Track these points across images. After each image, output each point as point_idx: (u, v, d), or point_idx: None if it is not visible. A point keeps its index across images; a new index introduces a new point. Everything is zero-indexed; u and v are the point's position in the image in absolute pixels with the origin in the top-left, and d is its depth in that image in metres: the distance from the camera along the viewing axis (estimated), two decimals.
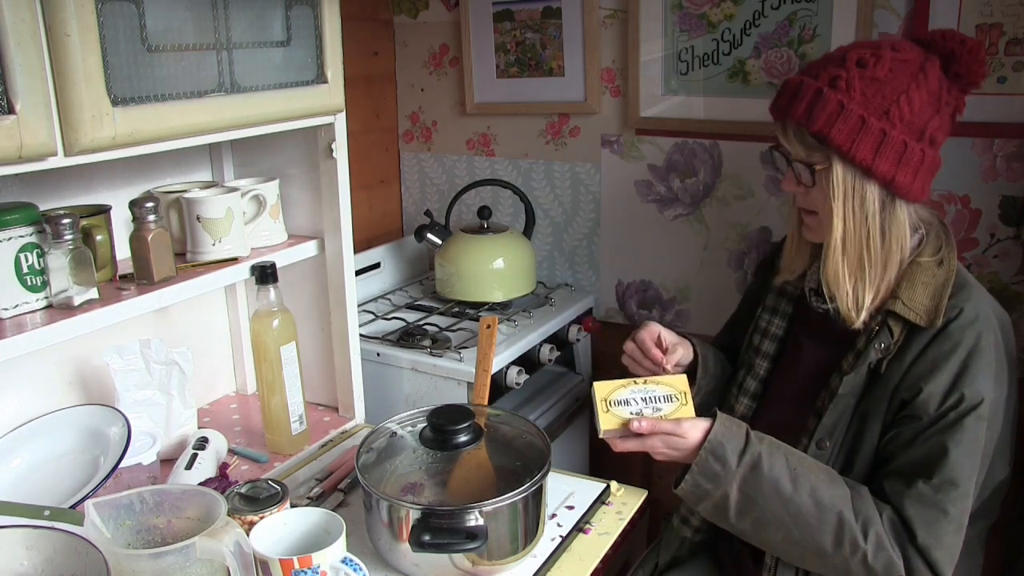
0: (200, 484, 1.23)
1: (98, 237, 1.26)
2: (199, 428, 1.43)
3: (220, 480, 1.27)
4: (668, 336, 1.27)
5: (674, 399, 1.12)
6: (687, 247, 1.97)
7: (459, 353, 1.70)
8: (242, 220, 1.37)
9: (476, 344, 1.42)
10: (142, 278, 1.25)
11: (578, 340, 1.99)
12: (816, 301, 1.23)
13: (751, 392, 1.31)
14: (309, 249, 1.49)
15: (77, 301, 1.15)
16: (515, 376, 1.74)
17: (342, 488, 1.33)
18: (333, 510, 1.10)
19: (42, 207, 1.22)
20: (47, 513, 1.04)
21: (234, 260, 1.36)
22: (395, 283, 2.18)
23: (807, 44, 1.71)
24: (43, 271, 1.14)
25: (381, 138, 2.27)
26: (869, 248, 1.12)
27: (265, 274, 1.36)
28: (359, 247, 1.89)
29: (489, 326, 1.36)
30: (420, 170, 2.30)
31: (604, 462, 2.14)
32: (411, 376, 1.75)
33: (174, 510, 1.00)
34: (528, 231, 2.07)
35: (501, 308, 1.94)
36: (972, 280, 1.15)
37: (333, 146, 1.42)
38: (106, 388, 1.37)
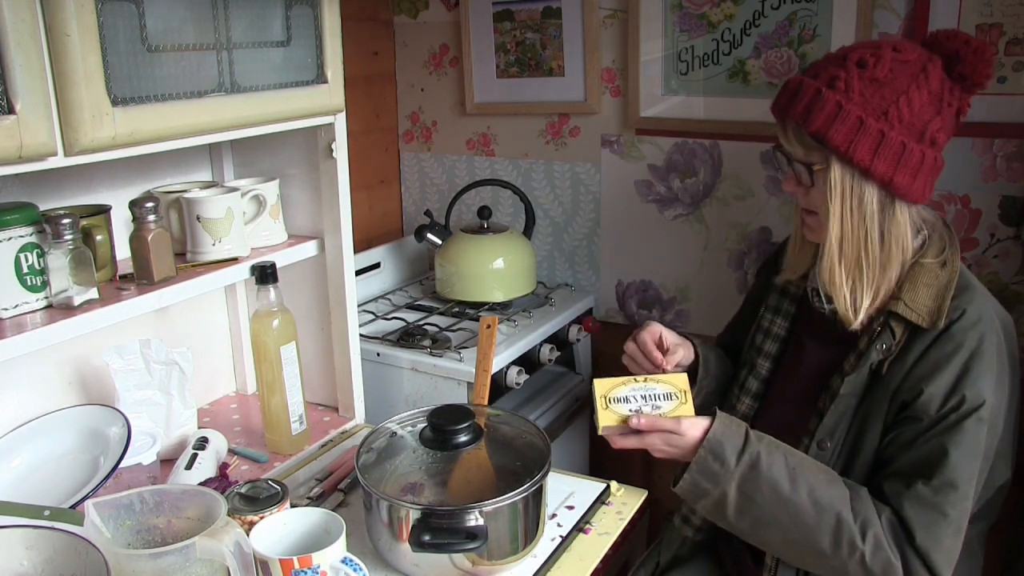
0: (200, 484, 1.23)
1: (98, 237, 1.26)
2: (199, 428, 1.43)
3: (220, 480, 1.27)
4: (669, 337, 1.27)
5: (674, 397, 1.12)
6: (687, 247, 1.97)
7: (459, 353, 1.70)
8: (242, 220, 1.37)
9: (476, 344, 1.42)
10: (142, 278, 1.25)
11: (578, 340, 1.99)
12: (818, 301, 1.23)
13: (753, 392, 1.31)
14: (309, 249, 1.49)
15: (77, 301, 1.15)
16: (515, 376, 1.74)
17: (342, 488, 1.33)
18: (333, 510, 1.10)
19: (42, 207, 1.22)
20: (47, 513, 1.04)
21: (234, 260, 1.36)
22: (395, 283, 2.18)
23: (807, 44, 1.71)
24: (43, 271, 1.14)
25: (381, 138, 2.27)
26: (867, 249, 1.12)
27: (265, 274, 1.36)
28: (359, 247, 1.89)
29: (489, 326, 1.36)
30: (420, 170, 2.30)
31: (604, 462, 2.14)
32: (411, 376, 1.75)
33: (174, 510, 1.00)
34: (528, 231, 2.07)
35: (501, 308, 1.94)
36: (975, 282, 1.15)
37: (333, 146, 1.42)
38: (106, 388, 1.37)
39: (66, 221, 1.12)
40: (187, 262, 1.34)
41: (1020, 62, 1.53)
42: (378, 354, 1.77)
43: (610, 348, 2.05)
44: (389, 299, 2.07)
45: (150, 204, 1.23)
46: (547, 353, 1.85)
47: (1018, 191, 1.59)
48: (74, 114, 0.98)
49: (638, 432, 1.10)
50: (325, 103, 1.35)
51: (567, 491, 1.32)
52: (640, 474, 2.11)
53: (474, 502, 1.06)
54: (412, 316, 1.93)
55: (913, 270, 1.13)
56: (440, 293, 2.00)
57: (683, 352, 1.28)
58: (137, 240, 1.24)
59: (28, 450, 1.26)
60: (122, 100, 1.04)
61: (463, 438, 1.16)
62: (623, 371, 1.20)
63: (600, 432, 1.13)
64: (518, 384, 1.75)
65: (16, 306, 1.12)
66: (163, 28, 1.08)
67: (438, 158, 2.26)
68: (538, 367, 1.86)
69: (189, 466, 1.29)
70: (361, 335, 1.70)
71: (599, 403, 1.12)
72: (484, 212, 1.98)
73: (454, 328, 1.85)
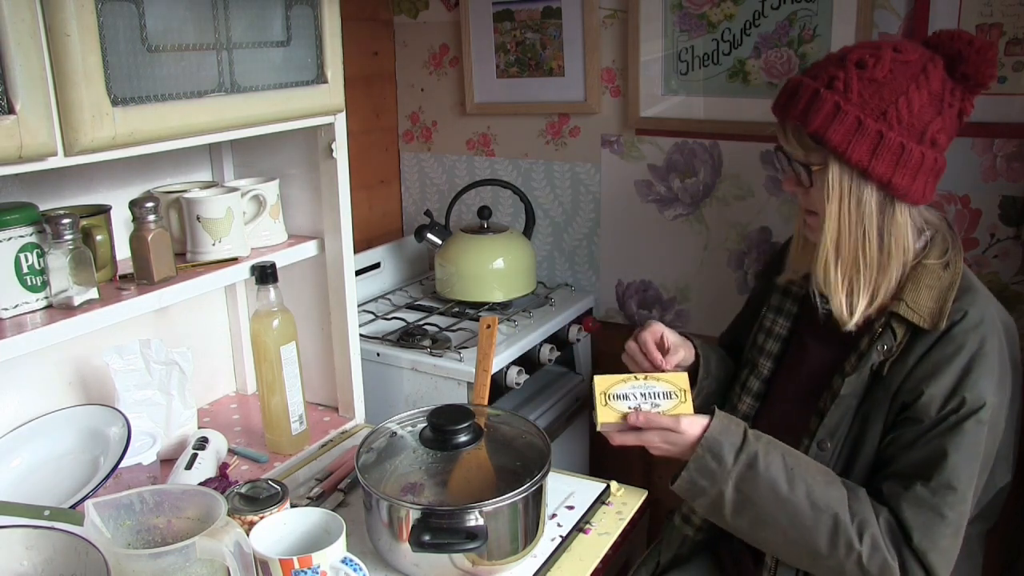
0: (200, 484, 1.23)
1: (98, 237, 1.26)
2: (199, 428, 1.43)
3: (220, 480, 1.27)
4: (671, 337, 1.27)
5: (673, 396, 1.13)
6: (687, 247, 1.97)
7: (459, 353, 1.70)
8: (242, 220, 1.37)
9: (476, 344, 1.42)
10: (142, 278, 1.25)
11: (578, 340, 1.99)
12: (820, 301, 1.23)
13: (754, 391, 1.31)
14: (309, 249, 1.49)
15: (77, 301, 1.15)
16: (515, 376, 1.74)
17: (342, 488, 1.33)
18: (333, 510, 1.10)
19: (42, 207, 1.22)
20: (47, 513, 1.04)
21: (234, 260, 1.36)
22: (395, 283, 2.18)
23: (807, 44, 1.71)
24: (43, 271, 1.14)
25: (381, 138, 2.27)
26: (864, 250, 1.12)
27: (265, 274, 1.36)
28: (359, 247, 1.89)
29: (489, 326, 1.36)
30: (420, 170, 2.30)
31: (604, 462, 2.14)
32: (411, 376, 1.75)
33: (174, 510, 1.00)
34: (528, 231, 2.07)
35: (501, 308, 1.94)
36: (978, 284, 1.14)
37: (333, 146, 1.42)
38: (106, 388, 1.37)
39: (66, 221, 1.12)
40: (187, 262, 1.34)
41: (1020, 62, 1.53)
42: (378, 354, 1.77)
43: (610, 348, 2.05)
44: (389, 299, 2.07)
45: (150, 204, 1.23)
46: (547, 353, 1.85)
47: (1018, 191, 1.59)
48: (74, 114, 0.98)
49: (637, 429, 1.10)
50: (325, 103, 1.35)
51: (567, 491, 1.32)
52: (640, 474, 2.11)
53: (474, 502, 1.06)
54: (412, 316, 1.93)
55: (915, 271, 1.13)
56: (440, 293, 2.00)
57: (684, 352, 1.28)
58: (137, 240, 1.24)
59: (28, 450, 1.26)
60: (122, 100, 1.04)
61: (463, 438, 1.16)
62: (623, 370, 1.20)
63: (599, 428, 1.13)
64: (518, 384, 1.75)
65: (16, 306, 1.12)
66: (163, 28, 1.08)
67: (438, 158, 2.26)
68: (538, 367, 1.86)
69: (189, 466, 1.29)
70: (361, 335, 1.70)
71: (598, 400, 1.12)
72: (484, 212, 1.98)
73: (454, 328, 1.85)
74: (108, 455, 1.21)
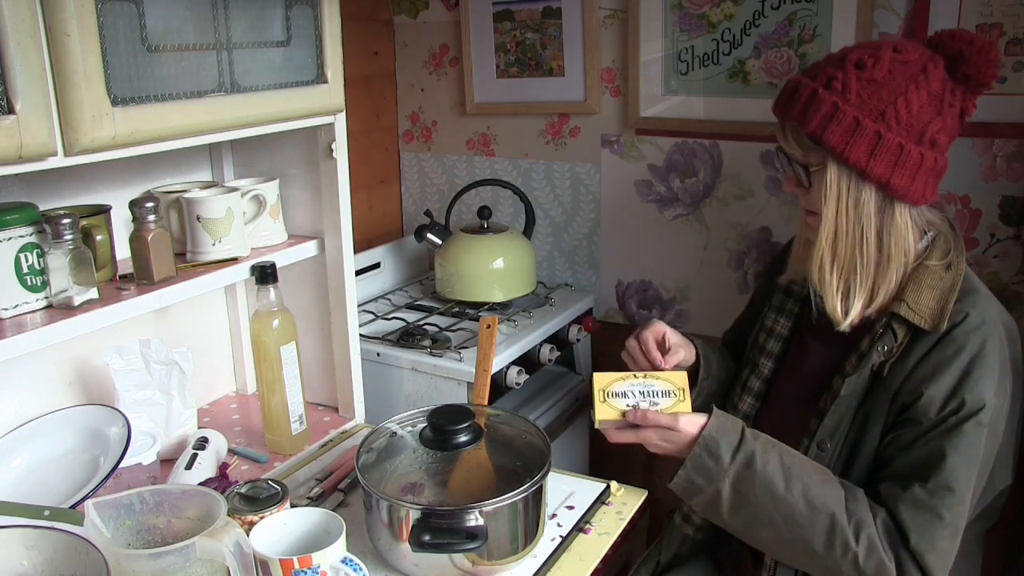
0: (200, 484, 1.22)
1: (98, 237, 1.26)
2: (199, 428, 1.43)
3: (220, 480, 1.27)
4: (672, 337, 1.27)
5: (672, 395, 1.13)
6: (687, 247, 1.97)
7: (459, 353, 1.70)
8: (242, 220, 1.37)
9: (476, 344, 1.42)
10: (142, 278, 1.25)
11: (578, 340, 1.99)
12: (816, 301, 1.23)
13: (755, 391, 1.31)
14: (309, 249, 1.49)
15: (77, 301, 1.15)
16: (515, 376, 1.74)
17: (342, 488, 1.33)
18: (333, 510, 1.10)
19: (42, 207, 1.22)
20: (47, 513, 1.04)
21: (234, 260, 1.36)
22: (395, 283, 2.18)
23: (807, 44, 1.71)
24: (43, 271, 1.14)
25: (381, 138, 2.27)
26: (862, 251, 1.11)
27: (265, 274, 1.36)
28: (359, 247, 1.89)
29: (489, 326, 1.36)
30: (420, 170, 2.30)
31: (604, 462, 2.14)
32: (411, 376, 1.75)
33: (174, 510, 1.00)
34: (528, 231, 2.07)
35: (501, 308, 1.94)
36: (980, 286, 1.14)
37: (333, 146, 1.42)
38: (106, 388, 1.37)
39: (66, 221, 1.12)
40: (187, 262, 1.34)
41: (1020, 62, 1.53)
42: (378, 354, 1.77)
43: (610, 348, 2.04)
44: (389, 299, 2.07)
45: (150, 204, 1.23)
46: (547, 353, 1.85)
47: (1018, 191, 1.59)
48: (74, 114, 0.98)
49: (635, 426, 1.11)
50: (325, 103, 1.35)
51: (567, 491, 1.32)
52: (640, 474, 2.11)
53: (474, 502, 1.06)
54: (412, 316, 1.93)
55: (917, 272, 1.12)
56: (440, 293, 2.00)
57: (685, 353, 1.28)
58: (137, 240, 1.24)
59: (28, 450, 1.26)
60: (122, 100, 1.04)
61: (463, 438, 1.16)
62: (623, 370, 1.21)
63: (597, 425, 1.13)
64: (518, 384, 1.75)
65: (16, 306, 1.12)
66: (163, 28, 1.08)
67: (438, 158, 2.26)
68: (538, 367, 1.86)
69: (189, 466, 1.29)
70: (361, 335, 1.70)
71: (597, 397, 1.13)
72: (484, 212, 1.98)
73: (454, 328, 1.85)
74: (108, 455, 1.21)
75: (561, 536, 1.21)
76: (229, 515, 0.97)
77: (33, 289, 1.13)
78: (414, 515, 1.05)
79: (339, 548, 0.98)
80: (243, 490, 1.11)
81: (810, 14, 1.69)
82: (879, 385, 1.12)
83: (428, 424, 1.18)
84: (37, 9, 0.93)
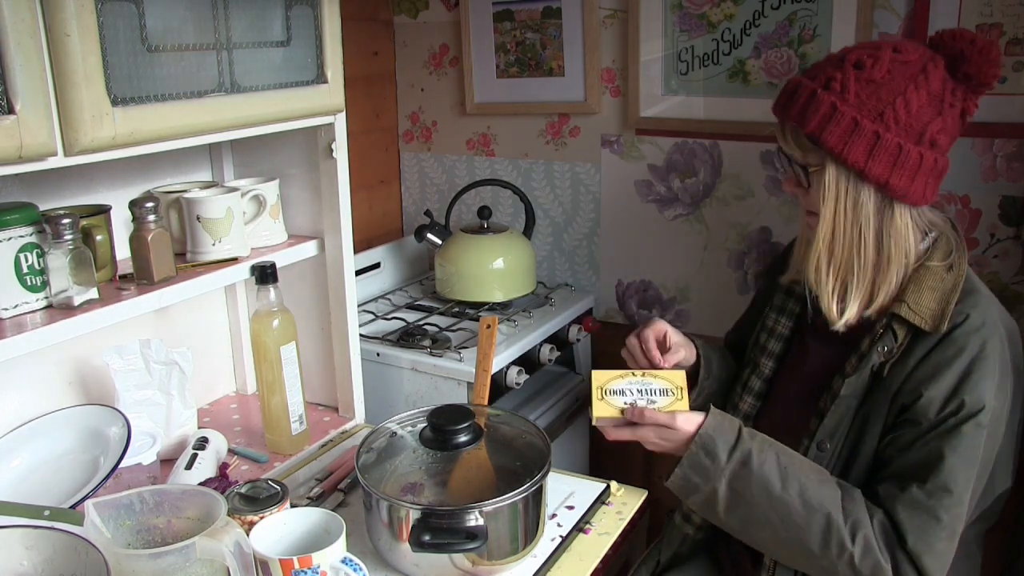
0: (200, 484, 1.22)
1: (98, 237, 1.26)
2: (199, 428, 1.43)
3: (220, 480, 1.27)
4: (673, 335, 1.27)
5: (670, 393, 1.13)
6: (687, 247, 1.97)
7: (459, 353, 1.70)
8: (242, 220, 1.37)
9: (476, 344, 1.42)
10: (142, 278, 1.25)
11: (578, 340, 1.99)
12: (811, 300, 1.22)
13: (756, 391, 1.31)
14: (309, 249, 1.49)
15: (77, 301, 1.15)
16: (515, 376, 1.74)
17: (342, 488, 1.33)
18: (333, 510, 1.10)
19: (42, 207, 1.22)
20: (47, 513, 1.04)
21: (234, 260, 1.36)
22: (395, 283, 2.18)
23: (807, 44, 1.71)
24: (43, 271, 1.14)
25: (381, 138, 2.27)
26: (860, 251, 1.11)
27: (265, 274, 1.36)
28: (359, 247, 1.89)
29: (489, 326, 1.36)
30: (420, 170, 2.30)
31: (604, 462, 2.14)
32: (411, 376, 1.75)
33: (174, 510, 1.00)
34: (528, 231, 2.07)
35: (501, 308, 1.94)
36: (982, 287, 1.13)
37: (333, 146, 1.42)
38: (106, 388, 1.37)
39: (66, 221, 1.12)
40: (187, 262, 1.34)
41: (1020, 62, 1.53)
42: (378, 354, 1.77)
43: (610, 348, 2.04)
44: (389, 299, 2.07)
45: (150, 204, 1.23)
46: (547, 353, 1.85)
47: (1018, 191, 1.59)
48: (74, 114, 0.98)
49: (632, 424, 1.11)
50: (325, 103, 1.35)
51: (567, 491, 1.32)
52: (640, 474, 2.11)
53: (474, 502, 1.06)
54: (412, 316, 1.93)
55: (918, 273, 1.12)
56: (440, 293, 2.00)
57: (685, 352, 1.28)
58: (137, 240, 1.24)
59: (28, 450, 1.26)
60: (122, 100, 1.04)
61: (463, 438, 1.16)
62: (622, 366, 1.21)
63: (594, 423, 1.14)
64: (518, 384, 1.75)
65: (16, 306, 1.12)
66: (163, 28, 1.08)
67: (438, 158, 2.26)
68: (538, 367, 1.86)
69: (189, 466, 1.29)
70: (361, 335, 1.70)
71: (595, 394, 1.13)
72: (484, 212, 1.98)
73: (454, 328, 1.85)
74: (108, 455, 1.21)
75: (561, 536, 1.21)
76: (229, 515, 0.97)
77: (33, 289, 1.13)
78: (414, 515, 1.05)
79: (339, 548, 0.98)
80: (243, 490, 1.11)
81: (810, 14, 1.69)
82: (879, 386, 1.12)
83: (428, 424, 1.18)
84: (37, 9, 0.93)
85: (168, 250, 1.26)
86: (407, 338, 1.79)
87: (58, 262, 1.12)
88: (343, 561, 0.97)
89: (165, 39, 1.09)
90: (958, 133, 1.12)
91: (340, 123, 1.42)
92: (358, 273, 1.90)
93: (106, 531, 0.94)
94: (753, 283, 1.91)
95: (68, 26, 0.95)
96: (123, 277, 1.28)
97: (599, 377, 1.15)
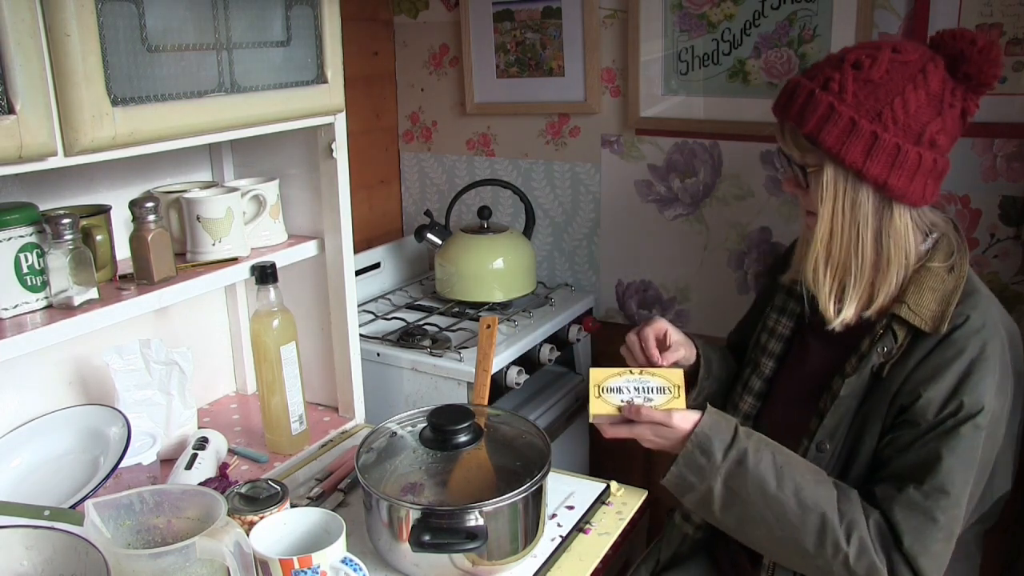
0: (200, 484, 1.23)
1: (98, 237, 1.26)
2: (199, 428, 1.43)
3: (220, 480, 1.27)
4: (674, 334, 1.27)
5: (667, 391, 1.13)
6: (687, 247, 1.97)
7: (459, 353, 1.70)
8: (242, 220, 1.37)
9: (476, 344, 1.42)
10: (142, 278, 1.25)
11: (578, 340, 1.99)
12: (808, 300, 1.22)
13: (756, 391, 1.30)
14: (309, 249, 1.49)
15: (77, 301, 1.15)
16: (515, 376, 1.74)
17: (342, 488, 1.33)
18: (333, 510, 1.10)
19: (42, 207, 1.22)
20: (47, 513, 1.04)
21: (234, 260, 1.36)
22: (395, 283, 2.18)
23: (807, 44, 1.71)
24: (43, 271, 1.14)
25: (381, 138, 2.27)
26: (858, 252, 1.11)
27: (265, 274, 1.36)
28: (359, 247, 1.89)
29: (489, 326, 1.36)
30: (420, 170, 2.30)
31: (604, 462, 2.14)
32: (411, 376, 1.75)
33: (174, 510, 1.00)
34: (528, 231, 2.07)
35: (501, 308, 1.94)
36: (983, 289, 1.13)
37: (333, 146, 1.42)
38: (106, 388, 1.37)
39: (66, 221, 1.12)
40: (187, 262, 1.34)
41: (1020, 62, 1.53)
42: (378, 354, 1.77)
43: (610, 348, 2.04)
44: (389, 299, 2.07)
45: (150, 204, 1.23)
46: (547, 353, 1.85)
47: (1018, 191, 1.59)
48: (74, 114, 0.98)
49: (629, 422, 1.11)
50: (325, 103, 1.35)
51: (567, 491, 1.32)
52: (640, 474, 2.11)
53: (474, 502, 1.06)
54: (412, 316, 1.93)
55: (919, 274, 1.12)
56: (440, 293, 2.00)
57: (685, 352, 1.28)
58: (137, 240, 1.24)
59: (28, 450, 1.26)
60: (122, 100, 1.04)
61: (463, 438, 1.16)
62: (622, 365, 1.21)
63: (591, 420, 1.14)
64: (518, 384, 1.75)
65: (16, 306, 1.12)
66: (163, 28, 1.08)
67: (438, 158, 2.26)
68: (538, 367, 1.86)
69: (189, 466, 1.29)
70: (361, 335, 1.70)
71: (592, 392, 1.14)
72: (484, 212, 1.98)
73: (454, 328, 1.85)
74: (108, 455, 1.22)
75: (561, 536, 1.21)
76: (229, 515, 0.97)
77: (33, 289, 1.13)
78: (414, 515, 1.05)
79: (339, 548, 0.98)
80: (243, 490, 1.11)
81: (810, 14, 1.69)
82: (879, 386, 1.12)
83: (428, 424, 1.18)
84: (37, 9, 0.93)
85: (168, 250, 1.26)
86: (407, 338, 1.79)
87: (58, 262, 1.13)
88: (343, 561, 0.98)
89: (165, 39, 1.09)
90: (959, 133, 1.11)
91: (340, 123, 1.42)
92: (358, 273, 1.90)
93: (106, 531, 0.94)
94: (753, 283, 1.91)
95: (68, 26, 0.95)
96: (123, 277, 1.28)
97: (597, 375, 1.15)
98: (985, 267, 1.64)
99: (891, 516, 1.05)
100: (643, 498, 1.33)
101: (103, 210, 1.29)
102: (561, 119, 2.05)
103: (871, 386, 1.13)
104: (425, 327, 1.85)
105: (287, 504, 1.10)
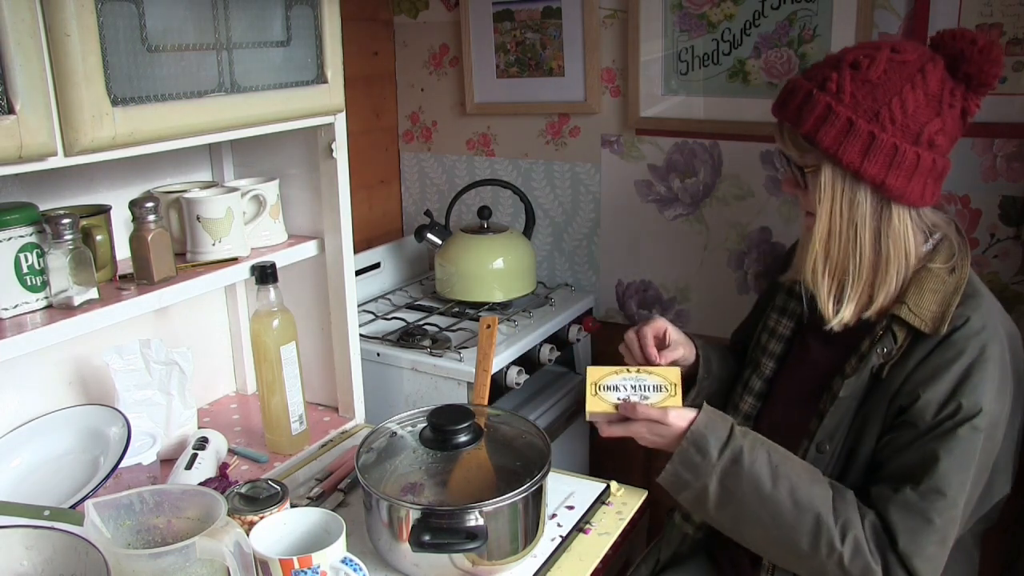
0: (200, 484, 1.23)
1: (98, 237, 1.26)
2: (199, 428, 1.43)
3: (220, 480, 1.27)
4: (673, 333, 1.27)
5: (663, 389, 1.14)
6: (687, 247, 1.97)
7: (459, 353, 1.70)
8: (242, 220, 1.37)
9: (476, 344, 1.42)
10: (142, 278, 1.25)
11: (578, 340, 1.99)
12: (807, 300, 1.22)
13: (756, 391, 1.30)
14: (309, 249, 1.49)
15: (77, 301, 1.15)
16: (515, 376, 1.74)
17: (342, 488, 1.33)
18: (333, 510, 1.10)
19: (42, 207, 1.22)
20: (47, 513, 1.04)
21: (234, 260, 1.36)
22: (395, 283, 2.18)
23: (807, 44, 1.71)
24: (43, 271, 1.14)
25: (381, 138, 2.27)
26: (856, 252, 1.11)
27: (265, 274, 1.36)
28: (359, 247, 1.89)
29: (489, 326, 1.36)
30: (420, 170, 2.30)
31: (604, 462, 2.14)
32: (411, 376, 1.75)
33: (174, 510, 1.00)
34: (528, 231, 2.07)
35: (501, 308, 1.94)
36: (984, 291, 1.13)
37: (333, 146, 1.42)
38: (106, 388, 1.37)
39: (66, 221, 1.12)
40: (187, 262, 1.34)
41: (1020, 62, 1.53)
42: (378, 354, 1.77)
43: (610, 348, 2.04)
44: (389, 299, 2.07)
45: (150, 204, 1.23)
46: (547, 353, 1.85)
47: (1018, 191, 1.59)
48: (74, 114, 0.98)
49: (625, 419, 1.11)
50: (325, 103, 1.35)
51: (567, 491, 1.32)
52: (640, 474, 2.11)
53: (474, 502, 1.06)
54: (412, 316, 1.93)
55: (920, 275, 1.11)
56: (440, 293, 2.00)
57: (684, 351, 1.28)
58: (137, 240, 1.24)
59: (28, 450, 1.26)
60: (122, 100, 1.04)
61: (463, 438, 1.16)
62: (621, 363, 1.21)
63: (587, 418, 1.14)
64: (518, 384, 1.75)
65: (16, 306, 1.12)
66: (163, 28, 1.08)
67: (438, 158, 2.26)
68: (538, 367, 1.86)
69: (189, 466, 1.29)
70: (361, 335, 1.70)
71: (589, 390, 1.14)
72: (484, 212, 1.98)
73: (454, 328, 1.85)
74: (108, 455, 1.22)
75: (561, 536, 1.21)
76: (229, 515, 0.97)
77: (33, 289, 1.13)
78: (414, 515, 1.05)
79: (339, 548, 0.98)
80: (243, 490, 1.11)
81: (810, 14, 1.69)
82: (878, 387, 1.12)
83: (428, 424, 1.18)
84: (37, 9, 0.93)
85: (168, 250, 1.26)
86: (407, 338, 1.79)
87: (58, 262, 1.13)
88: (343, 561, 0.98)
89: (165, 39, 1.09)
90: (959, 134, 1.11)
91: (340, 123, 1.42)
92: (358, 273, 1.90)
93: (106, 531, 0.94)
94: (753, 283, 1.91)
95: (68, 26, 0.95)
96: (123, 277, 1.28)
97: (594, 373, 1.16)
98: (985, 267, 1.64)
99: (887, 517, 1.05)
100: (643, 498, 1.33)
101: (103, 210, 1.29)
102: (561, 119, 2.05)
103: (871, 387, 1.13)
104: (425, 327, 1.85)
105: (287, 504, 1.10)
